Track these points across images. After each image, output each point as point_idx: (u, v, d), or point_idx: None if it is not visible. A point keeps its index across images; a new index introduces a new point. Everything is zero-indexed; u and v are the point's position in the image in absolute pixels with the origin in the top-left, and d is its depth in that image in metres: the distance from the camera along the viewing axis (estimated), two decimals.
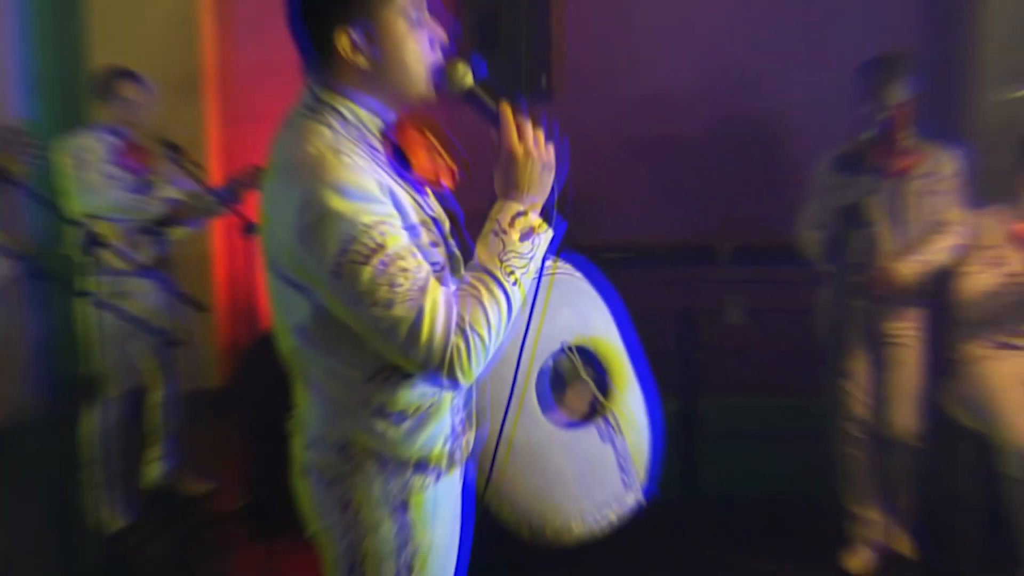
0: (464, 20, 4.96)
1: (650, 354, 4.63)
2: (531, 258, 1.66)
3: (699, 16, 5.22)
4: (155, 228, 4.10)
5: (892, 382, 3.75)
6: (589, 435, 2.21)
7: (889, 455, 3.76)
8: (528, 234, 1.65)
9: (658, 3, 5.26)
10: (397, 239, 1.56)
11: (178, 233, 4.24)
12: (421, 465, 1.77)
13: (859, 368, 3.76)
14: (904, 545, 3.89)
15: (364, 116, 1.70)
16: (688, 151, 5.27)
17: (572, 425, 2.21)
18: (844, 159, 3.65)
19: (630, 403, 2.24)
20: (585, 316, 2.23)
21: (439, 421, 1.78)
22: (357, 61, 1.66)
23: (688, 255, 4.57)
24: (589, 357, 2.23)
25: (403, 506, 1.77)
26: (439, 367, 1.57)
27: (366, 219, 1.54)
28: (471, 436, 1.89)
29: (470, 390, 1.86)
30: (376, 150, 1.69)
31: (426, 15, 1.71)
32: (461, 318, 1.58)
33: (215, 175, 5.63)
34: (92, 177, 4.06)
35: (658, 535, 4.01)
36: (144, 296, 4.14)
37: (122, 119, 4.20)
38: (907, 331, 3.77)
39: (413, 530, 1.78)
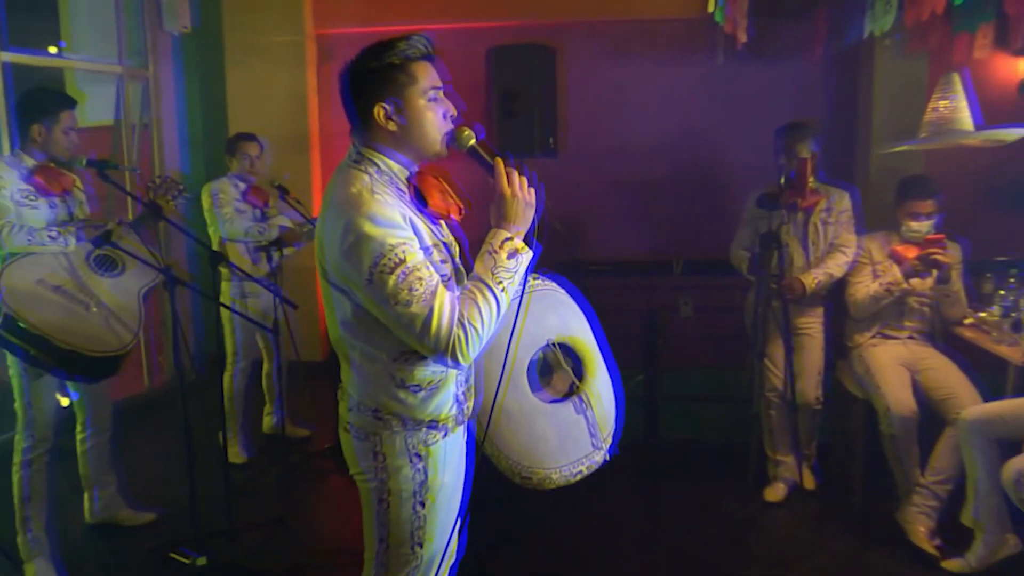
0: (492, 95, 4.95)
1: (624, 339, 4.63)
2: (515, 272, 1.70)
3: (661, 90, 5.20)
4: (271, 248, 4.15)
5: (801, 362, 3.71)
6: (567, 408, 2.19)
7: (798, 415, 3.71)
8: (513, 254, 1.69)
9: (632, 82, 5.24)
10: (414, 256, 1.61)
11: (287, 251, 4.26)
12: (432, 425, 1.80)
13: (776, 351, 3.74)
14: (809, 481, 3.84)
15: (394, 167, 1.76)
16: (652, 190, 5.30)
17: (555, 401, 2.20)
18: (765, 197, 3.63)
19: (598, 385, 2.22)
20: (565, 320, 2.24)
21: (446, 391, 1.81)
22: (388, 127, 1.72)
23: (651, 267, 4.55)
24: (568, 351, 2.22)
25: (419, 455, 1.80)
26: (445, 351, 1.62)
27: (391, 241, 1.60)
28: (471, 403, 1.91)
29: (469, 369, 1.88)
30: (402, 191, 1.73)
31: (441, 95, 1.77)
32: (461, 315, 1.62)
33: (316, 209, 5.68)
34: (227, 212, 4.13)
35: (626, 472, 4.00)
36: (260, 296, 4.20)
37: (246, 169, 4.25)
38: (812, 324, 3.75)
39: (427, 474, 1.81)
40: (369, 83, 1.73)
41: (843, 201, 3.66)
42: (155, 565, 3.25)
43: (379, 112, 1.72)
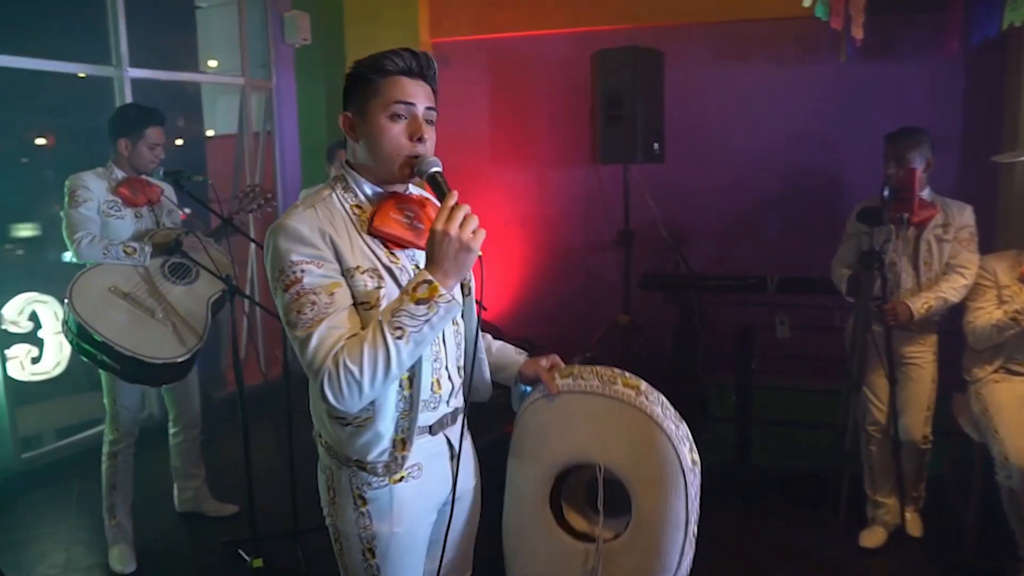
0: (596, 100, 4.68)
1: (716, 357, 4.27)
2: (425, 321, 1.44)
3: (772, 93, 4.72)
4: None
5: (907, 395, 3.22)
6: (576, 556, 1.85)
7: (903, 454, 3.22)
8: (423, 300, 1.44)
9: (741, 85, 4.80)
10: (313, 278, 1.48)
11: None
12: (361, 466, 1.62)
13: (878, 381, 3.26)
14: (915, 527, 3.33)
15: (363, 186, 1.61)
16: (756, 200, 4.83)
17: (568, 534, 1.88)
18: (868, 211, 3.16)
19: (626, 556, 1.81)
20: (607, 443, 1.79)
21: (371, 432, 1.59)
22: (350, 136, 1.61)
23: (746, 283, 4.13)
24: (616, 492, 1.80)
25: (361, 498, 1.63)
26: (317, 384, 1.46)
27: (293, 257, 1.49)
28: (405, 453, 1.63)
29: (411, 418, 1.62)
30: (354, 213, 1.58)
31: (416, 117, 1.57)
32: (340, 350, 1.44)
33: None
34: None
35: (710, 496, 3.65)
36: None
37: None
38: (922, 354, 3.24)
39: (371, 519, 1.63)
40: (345, 92, 1.63)
41: (963, 216, 3.13)
42: (228, 558, 3.29)
43: (343, 120, 1.63)
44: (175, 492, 3.67)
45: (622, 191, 4.80)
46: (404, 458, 1.61)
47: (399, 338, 1.43)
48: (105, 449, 3.25)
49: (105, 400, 3.20)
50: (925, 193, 3.17)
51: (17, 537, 3.55)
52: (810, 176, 4.65)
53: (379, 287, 1.54)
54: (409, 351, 1.45)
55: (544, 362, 1.80)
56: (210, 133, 5.59)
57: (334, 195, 1.60)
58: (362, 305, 1.53)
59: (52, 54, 4.11)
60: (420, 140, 1.56)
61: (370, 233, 1.57)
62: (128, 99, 4.36)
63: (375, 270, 1.55)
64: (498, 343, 1.92)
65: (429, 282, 1.44)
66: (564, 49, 5.24)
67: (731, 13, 4.73)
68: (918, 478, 3.35)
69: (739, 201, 4.85)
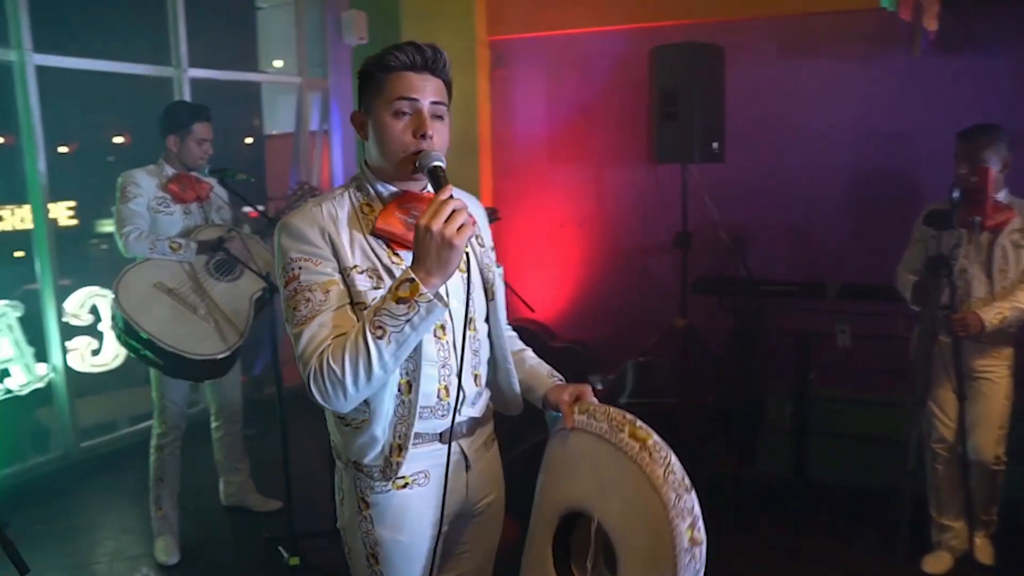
0: (653, 98, 4.55)
1: (773, 366, 4.09)
2: (406, 321, 1.38)
3: (839, 90, 4.49)
4: None
5: (977, 412, 3.00)
6: None
7: (973, 475, 3.00)
8: (404, 299, 1.38)
9: (805, 82, 4.58)
10: (310, 275, 1.48)
11: None
12: (360, 469, 1.60)
13: (946, 396, 3.04)
14: (985, 554, 3.11)
15: (372, 186, 1.59)
16: (820, 201, 4.59)
17: None
18: (935, 214, 2.95)
19: None
20: (606, 492, 1.56)
21: (367, 434, 1.55)
22: (361, 135, 1.60)
23: (806, 288, 3.93)
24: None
25: (363, 502, 1.60)
26: (304, 380, 1.45)
27: (292, 254, 1.50)
28: (399, 460, 1.57)
29: (407, 424, 1.56)
30: (363, 212, 1.56)
31: (421, 112, 1.51)
32: (326, 348, 1.43)
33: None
34: None
35: (765, 511, 3.53)
36: None
37: None
38: (995, 368, 3.01)
39: (371, 524, 1.60)
40: (359, 90, 1.60)
41: None
42: (268, 553, 3.30)
43: (353, 119, 1.62)
44: (220, 486, 3.71)
45: (680, 191, 4.65)
46: (399, 464, 1.56)
47: (380, 338, 1.39)
48: (153, 442, 3.30)
49: (153, 394, 3.25)
50: (1001, 195, 2.95)
51: (73, 523, 3.65)
52: (879, 177, 4.40)
53: (376, 287, 1.50)
54: (391, 352, 1.40)
55: (567, 395, 1.67)
56: (270, 132, 5.67)
57: (347, 193, 1.59)
58: (358, 305, 1.49)
59: (119, 56, 4.23)
60: (424, 136, 1.50)
61: (373, 233, 1.53)
62: (187, 98, 4.44)
63: (374, 270, 1.52)
64: (533, 360, 1.84)
65: (411, 281, 1.38)
66: (622, 46, 5.12)
67: (795, 7, 4.52)
68: (990, 501, 3.12)
69: (802, 203, 4.63)
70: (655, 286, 5.05)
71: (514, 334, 1.93)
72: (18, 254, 4.19)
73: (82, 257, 4.78)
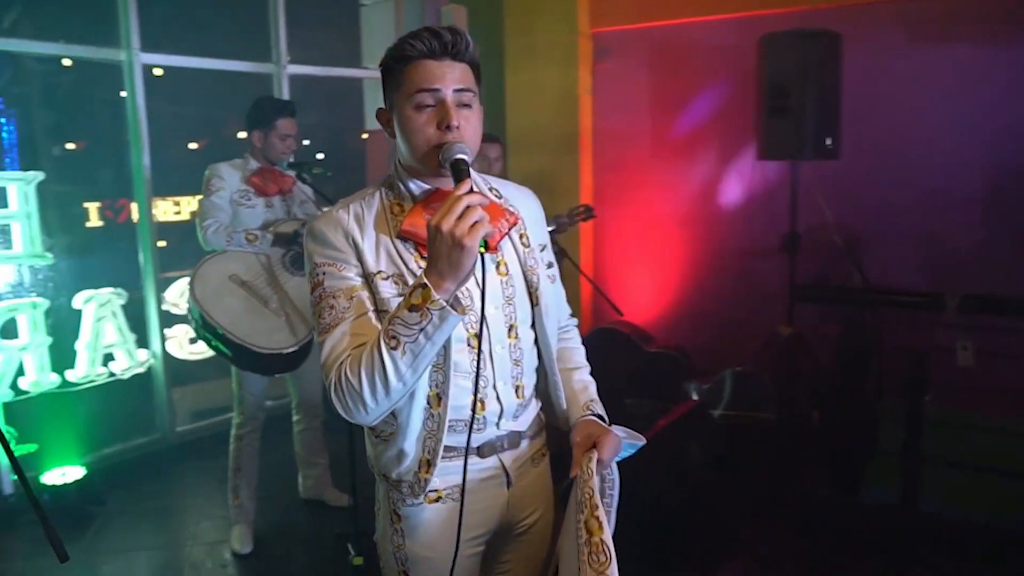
0: (760, 90, 4.24)
1: (889, 383, 3.71)
2: (420, 330, 1.28)
3: (974, 81, 4.03)
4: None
5: None
6: None
7: None
8: (416, 307, 1.27)
9: (935, 71, 4.14)
10: (333, 281, 1.42)
11: None
12: (388, 481, 1.52)
13: None
14: None
15: (403, 184, 1.50)
16: (941, 205, 4.12)
17: None
18: None
19: None
20: None
21: (395, 447, 1.48)
22: (388, 132, 1.50)
23: (921, 300, 3.53)
24: None
25: (395, 514, 1.53)
26: (327, 390, 1.37)
27: (316, 259, 1.44)
28: (427, 476, 1.47)
29: (436, 439, 1.46)
30: (392, 213, 1.47)
31: (444, 103, 1.40)
32: (346, 359, 1.35)
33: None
34: None
35: (874, 544, 3.21)
36: None
37: (484, 170, 4.11)
38: None
39: (402, 539, 1.53)
40: (383, 85, 1.50)
41: None
42: (338, 550, 3.29)
43: (378, 115, 1.52)
44: (299, 479, 3.75)
45: (789, 190, 4.32)
46: (426, 481, 1.47)
47: (394, 349, 1.29)
48: (232, 431, 3.35)
49: (233, 385, 3.31)
50: None
51: (162, 504, 3.78)
52: (1016, 179, 3.92)
53: (402, 294, 1.40)
54: (407, 363, 1.30)
55: (581, 438, 1.52)
56: (372, 128, 5.72)
57: (379, 192, 1.50)
58: (382, 314, 1.40)
59: (221, 53, 4.37)
60: (449, 128, 1.39)
61: (400, 235, 1.44)
62: (286, 95, 4.53)
63: (399, 275, 1.42)
64: (579, 382, 1.68)
65: (423, 286, 1.27)
66: (730, 35, 4.81)
67: None
68: None
69: (927, 205, 4.19)
70: (759, 291, 4.73)
71: (577, 345, 1.78)
72: (161, 244, 4.34)
73: (182, 250, 4.99)
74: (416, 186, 1.48)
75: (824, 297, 3.97)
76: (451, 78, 1.40)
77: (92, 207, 4.69)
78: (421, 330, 1.28)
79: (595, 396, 1.67)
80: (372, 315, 1.40)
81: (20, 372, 3.70)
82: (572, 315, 1.82)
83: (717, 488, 3.49)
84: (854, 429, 3.86)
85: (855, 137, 4.17)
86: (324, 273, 1.42)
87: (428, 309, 1.26)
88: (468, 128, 1.42)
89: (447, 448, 1.47)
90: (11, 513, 3.59)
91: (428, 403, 1.44)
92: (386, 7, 5.21)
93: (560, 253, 3.98)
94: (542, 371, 1.63)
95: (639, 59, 5.28)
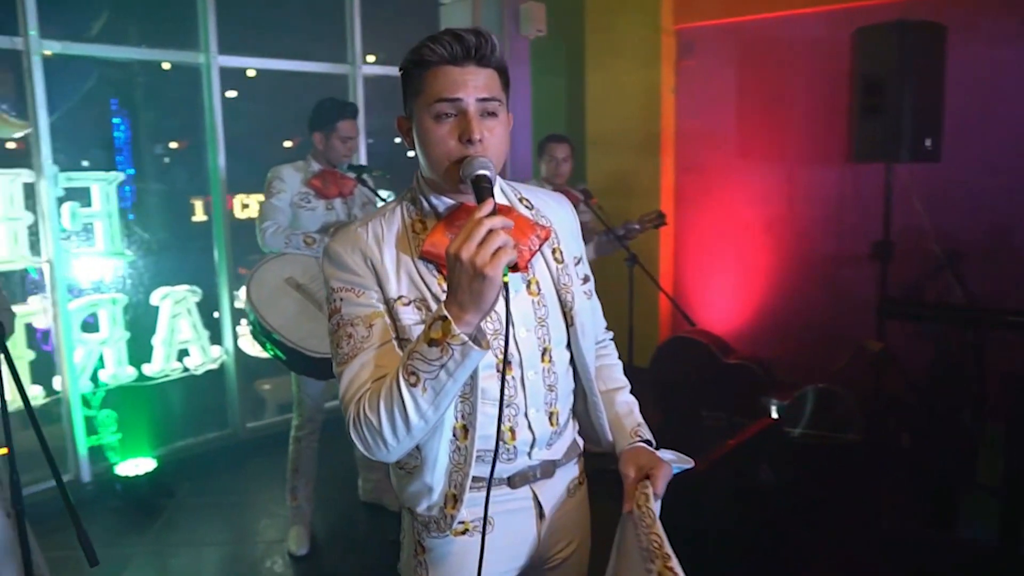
0: (853, 87, 3.95)
1: (990, 410, 3.36)
2: (440, 366, 1.17)
3: None
4: None
5: None
6: None
7: None
8: (436, 341, 1.16)
9: None
10: (352, 307, 1.31)
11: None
12: (414, 514, 1.42)
13: None
14: None
15: (426, 200, 1.38)
16: None
17: None
18: None
19: None
20: None
21: (419, 482, 1.37)
22: (407, 142, 1.37)
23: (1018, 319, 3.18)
24: None
25: (420, 545, 1.44)
26: (346, 425, 1.27)
27: (334, 284, 1.34)
28: (453, 512, 1.37)
29: (463, 475, 1.36)
30: (414, 231, 1.36)
31: (465, 113, 1.27)
32: (364, 393, 1.25)
33: (667, 212, 5.23)
34: None
35: None
36: None
37: (551, 172, 3.98)
38: None
39: (426, 571, 1.45)
40: (402, 91, 1.37)
41: None
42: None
43: (398, 124, 1.40)
44: (359, 482, 3.71)
45: (883, 194, 4.00)
46: (453, 517, 1.37)
47: (414, 385, 1.19)
48: (291, 433, 3.34)
49: (292, 387, 3.29)
50: None
51: (228, 500, 3.83)
52: None
53: (423, 321, 1.30)
54: (429, 400, 1.19)
55: (634, 470, 1.40)
56: None
57: (400, 208, 1.39)
58: (404, 342, 1.29)
59: (299, 55, 4.40)
60: (471, 141, 1.26)
61: (422, 257, 1.32)
62: (360, 94, 4.52)
63: (422, 300, 1.31)
64: (623, 405, 1.56)
65: (444, 319, 1.16)
66: (821, 29, 4.51)
67: None
68: None
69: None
70: (847, 302, 4.42)
71: (615, 362, 1.66)
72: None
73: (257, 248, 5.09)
74: (440, 201, 1.37)
75: (919, 314, 3.64)
76: (474, 86, 1.27)
77: (198, 203, 4.83)
78: (442, 367, 1.17)
79: (641, 419, 1.54)
80: (394, 343, 1.30)
81: (100, 365, 3.82)
82: (608, 328, 1.69)
83: (791, 515, 3.25)
84: (949, 457, 3.53)
85: (958, 138, 3.83)
86: (341, 299, 1.31)
87: (449, 344, 1.16)
88: (492, 140, 1.29)
89: (476, 479, 1.38)
90: (88, 501, 3.69)
91: (454, 435, 1.34)
92: (464, 5, 5.14)
93: (632, 259, 3.81)
94: (580, 393, 1.52)
95: (724, 56, 5.03)
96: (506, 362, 1.30)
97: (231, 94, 6.35)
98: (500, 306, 1.33)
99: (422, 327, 1.27)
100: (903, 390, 3.93)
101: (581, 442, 1.59)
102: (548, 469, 1.46)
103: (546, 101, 5.72)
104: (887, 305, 3.66)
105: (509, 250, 1.13)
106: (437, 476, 1.35)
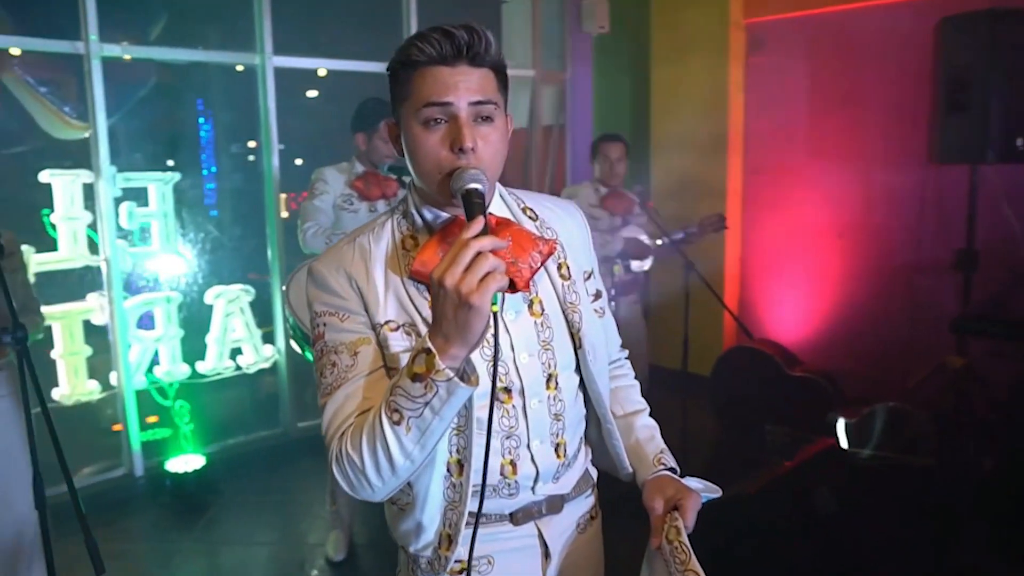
0: (936, 83, 3.64)
1: None
2: (424, 404, 1.06)
3: None
4: (613, 260, 3.67)
5: None
6: None
7: None
8: (419, 376, 1.05)
9: None
10: (334, 333, 1.20)
11: (636, 266, 3.74)
12: (407, 553, 1.31)
13: None
14: None
15: (419, 212, 1.26)
16: None
17: None
18: None
19: None
20: None
21: (412, 521, 1.26)
22: (397, 151, 1.25)
23: None
24: None
25: None
26: (328, 463, 1.16)
27: (317, 307, 1.22)
28: (448, 553, 1.25)
29: (458, 513, 1.24)
30: (404, 248, 1.24)
31: (455, 118, 1.15)
32: (348, 428, 1.15)
33: (733, 216, 5.00)
34: None
35: None
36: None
37: (605, 173, 3.82)
38: None
39: None
40: (390, 93, 1.25)
41: None
42: None
43: (385, 131, 1.37)
44: None
45: (967, 199, 3.68)
46: (448, 558, 1.25)
47: (397, 423, 1.08)
48: None
49: None
50: None
51: (273, 500, 3.82)
52: None
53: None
54: (414, 439, 1.09)
55: (660, 503, 1.27)
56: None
57: (391, 222, 1.27)
58: (393, 371, 1.19)
59: (355, 55, 4.38)
60: (463, 150, 1.14)
61: (412, 276, 1.21)
62: None
63: (411, 325, 1.19)
64: (643, 431, 1.43)
65: (427, 351, 1.05)
66: (902, 21, 4.18)
67: None
68: None
69: None
70: (925, 314, 4.08)
71: (632, 383, 1.53)
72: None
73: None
74: (433, 215, 1.24)
75: (1004, 331, 3.32)
76: (466, 88, 1.15)
77: (283, 198, 4.89)
78: (426, 404, 1.06)
79: (664, 445, 1.41)
80: (383, 372, 1.19)
81: (155, 362, 3.87)
82: (623, 347, 1.55)
83: (853, 546, 3.00)
84: None
85: None
86: (325, 324, 1.20)
87: (433, 380, 1.05)
88: (486, 149, 1.16)
89: (474, 514, 1.24)
90: (140, 495, 3.75)
91: (448, 471, 1.22)
92: (524, 2, 5.01)
93: (688, 267, 3.61)
94: (593, 418, 1.38)
95: (797, 51, 4.73)
96: (494, 399, 1.16)
97: (311, 93, 6.43)
98: (502, 337, 1.22)
99: (399, 353, 1.16)
100: (985, 411, 3.59)
101: (595, 473, 1.45)
102: (555, 504, 1.33)
103: (609, 101, 5.54)
104: (967, 320, 3.35)
105: (499, 276, 1.02)
106: (430, 514, 1.24)
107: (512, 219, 1.29)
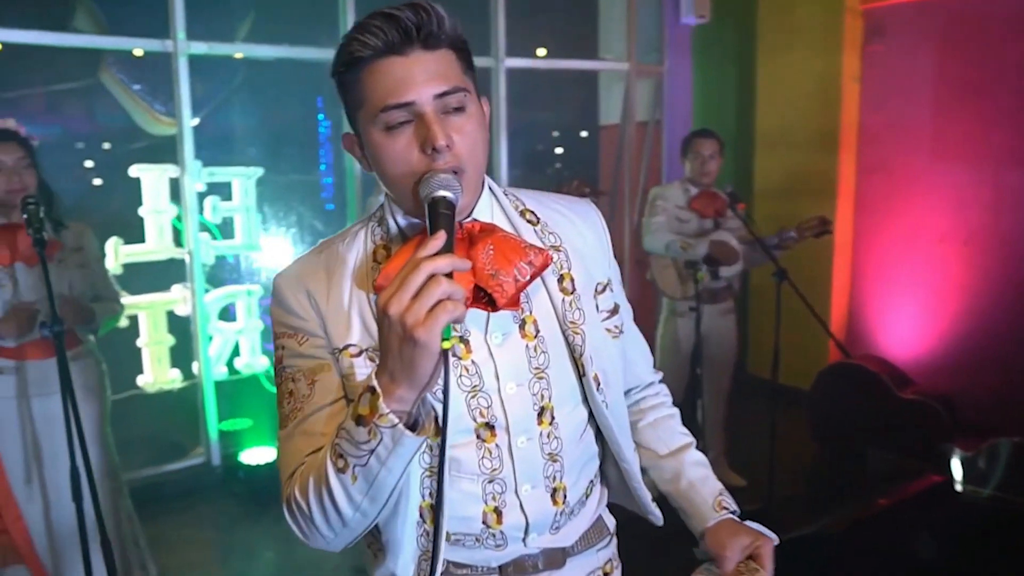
0: None
1: None
2: (370, 452, 0.90)
3: None
4: (697, 266, 3.38)
5: None
6: None
7: None
8: (363, 419, 0.88)
9: None
10: (294, 358, 1.05)
11: (724, 272, 3.44)
12: None
13: None
14: None
15: (394, 220, 1.09)
16: None
17: None
18: None
19: None
20: None
21: (384, 569, 1.08)
22: (363, 165, 1.08)
23: None
24: None
25: None
26: (282, 504, 1.03)
27: (276, 328, 1.08)
28: None
29: (432, 570, 1.03)
30: (375, 259, 1.07)
31: (422, 116, 0.97)
32: (299, 469, 1.01)
33: (844, 219, 4.58)
34: (658, 220, 3.53)
35: None
36: (687, 318, 3.50)
37: (697, 171, 3.52)
38: None
39: None
40: (342, 101, 1.06)
41: None
42: None
43: (345, 143, 1.09)
44: None
45: None
46: None
47: (342, 471, 0.94)
48: None
49: None
50: None
51: None
52: None
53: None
54: (361, 490, 0.93)
55: (736, 551, 1.13)
56: (604, 123, 5.29)
57: (365, 230, 1.11)
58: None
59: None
60: (436, 150, 0.96)
61: (376, 292, 1.03)
62: (502, 89, 4.29)
63: (375, 349, 1.01)
64: (696, 472, 1.24)
65: (372, 391, 0.88)
66: None
67: None
68: None
69: None
70: None
71: (672, 411, 1.31)
72: None
73: None
74: (408, 222, 1.07)
75: None
76: (426, 79, 0.97)
77: None
78: (371, 452, 0.90)
79: (721, 485, 1.23)
80: (343, 404, 1.03)
81: (235, 354, 3.89)
82: (655, 368, 1.33)
83: None
84: None
85: None
86: (284, 347, 1.06)
87: (377, 426, 0.88)
88: (463, 142, 0.98)
89: (456, 565, 1.09)
90: (215, 484, 3.78)
91: (421, 517, 1.05)
92: None
93: (780, 274, 3.27)
94: (609, 458, 1.18)
95: (920, 38, 4.24)
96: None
97: None
98: (480, 351, 1.04)
99: (359, 381, 1.00)
100: None
101: (612, 522, 1.24)
102: (555, 559, 1.13)
103: (710, 95, 5.18)
104: None
105: (452, 305, 0.83)
106: (403, 564, 1.07)
107: (501, 224, 1.08)
